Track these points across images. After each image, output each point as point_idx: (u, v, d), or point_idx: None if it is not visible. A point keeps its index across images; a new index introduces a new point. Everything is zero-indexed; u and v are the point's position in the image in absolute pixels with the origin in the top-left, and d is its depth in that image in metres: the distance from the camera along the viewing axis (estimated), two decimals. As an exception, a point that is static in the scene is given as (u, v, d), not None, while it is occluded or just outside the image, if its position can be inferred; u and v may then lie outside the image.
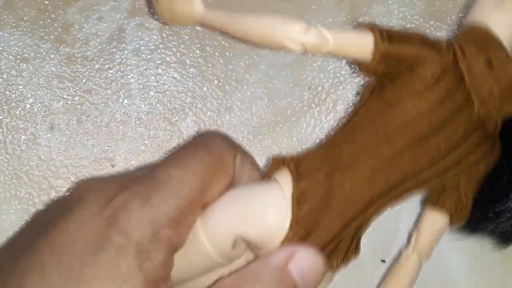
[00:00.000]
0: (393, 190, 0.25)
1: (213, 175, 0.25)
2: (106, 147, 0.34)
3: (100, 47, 0.34)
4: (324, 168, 0.25)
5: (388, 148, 0.25)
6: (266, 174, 0.26)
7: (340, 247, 0.25)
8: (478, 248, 0.34)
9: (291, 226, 0.24)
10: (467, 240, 0.34)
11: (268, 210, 0.24)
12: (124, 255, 0.22)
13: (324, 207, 0.24)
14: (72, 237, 0.22)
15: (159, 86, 0.34)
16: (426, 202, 0.28)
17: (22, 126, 0.34)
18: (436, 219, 0.28)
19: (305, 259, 0.24)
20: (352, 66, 0.26)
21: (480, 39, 0.25)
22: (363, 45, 0.24)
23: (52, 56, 0.34)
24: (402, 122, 0.25)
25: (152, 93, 0.34)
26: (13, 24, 0.34)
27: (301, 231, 0.24)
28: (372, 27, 0.24)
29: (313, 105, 0.35)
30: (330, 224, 0.25)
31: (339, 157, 0.25)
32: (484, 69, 0.25)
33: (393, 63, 0.25)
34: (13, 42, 0.34)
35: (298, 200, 0.24)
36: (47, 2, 0.34)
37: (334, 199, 0.24)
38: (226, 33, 0.25)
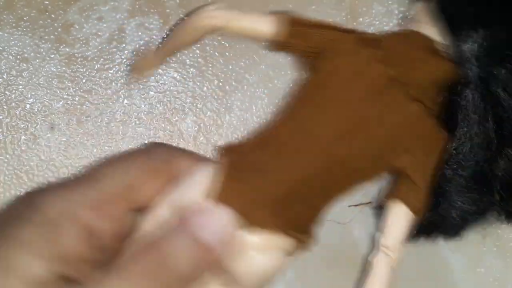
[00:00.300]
0: (332, 159, 0.26)
1: (143, 174, 0.27)
2: (106, 147, 0.34)
3: (100, 47, 0.34)
4: (254, 144, 0.27)
5: (327, 114, 0.26)
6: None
7: (288, 214, 0.25)
8: (478, 248, 0.34)
9: (215, 178, 0.25)
10: (467, 240, 0.34)
11: (193, 184, 0.26)
12: (32, 225, 0.24)
13: (255, 185, 0.25)
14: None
15: (159, 86, 0.34)
16: (382, 201, 0.28)
17: (22, 126, 0.34)
18: (394, 210, 0.27)
19: (206, 214, 0.25)
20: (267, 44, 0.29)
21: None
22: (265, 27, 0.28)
23: (52, 56, 0.34)
24: (336, 97, 0.26)
25: (152, 93, 0.34)
26: (13, 24, 0.34)
27: (228, 181, 0.25)
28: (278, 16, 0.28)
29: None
30: (260, 201, 0.25)
31: (272, 136, 0.27)
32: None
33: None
34: (13, 42, 0.34)
35: (223, 164, 0.26)
36: (47, 2, 0.34)
37: (264, 173, 0.25)
38: (176, 50, 0.32)
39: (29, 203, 0.25)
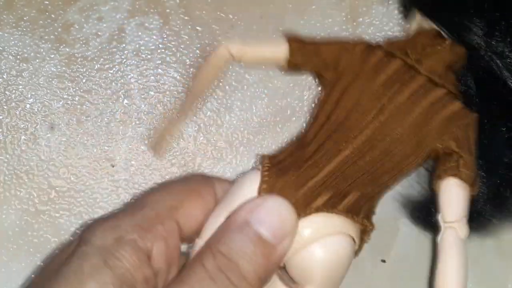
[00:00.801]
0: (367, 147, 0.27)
1: (185, 196, 0.27)
2: (106, 147, 0.34)
3: (100, 47, 0.34)
4: (292, 149, 0.28)
5: (358, 117, 0.27)
6: None
7: (340, 200, 0.26)
8: (478, 248, 0.34)
9: (264, 174, 0.26)
10: (467, 240, 0.34)
11: (242, 186, 0.27)
12: (87, 257, 0.24)
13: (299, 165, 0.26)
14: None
15: (159, 86, 0.34)
16: (432, 182, 0.28)
17: (22, 126, 0.34)
18: (447, 188, 0.27)
19: (266, 206, 0.25)
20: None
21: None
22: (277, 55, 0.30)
23: (52, 56, 0.34)
24: (364, 94, 0.27)
25: (152, 93, 0.34)
26: (13, 24, 0.34)
27: (277, 178, 0.26)
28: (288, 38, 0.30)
29: (313, 105, 0.35)
30: (308, 174, 0.26)
31: (309, 139, 0.28)
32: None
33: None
34: (13, 42, 0.34)
35: (268, 167, 0.27)
36: (47, 2, 0.34)
37: (306, 159, 0.27)
38: (198, 99, 0.33)
39: (79, 240, 0.25)
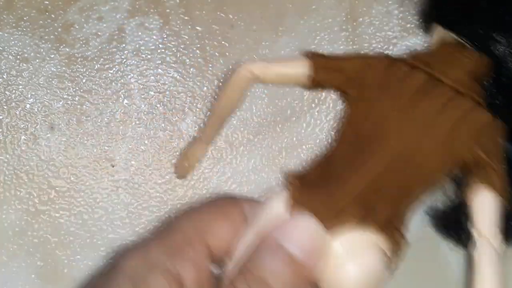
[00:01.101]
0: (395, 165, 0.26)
1: (215, 218, 0.27)
2: (106, 147, 0.34)
3: (100, 47, 0.34)
4: (318, 168, 0.27)
5: (388, 132, 0.27)
6: None
7: (373, 214, 0.26)
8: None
9: (292, 190, 0.26)
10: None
11: (271, 206, 0.26)
12: (118, 285, 0.24)
13: (320, 182, 0.26)
14: None
15: (159, 86, 0.34)
16: (463, 193, 0.28)
17: (22, 126, 0.34)
18: (480, 200, 0.27)
19: (296, 226, 0.24)
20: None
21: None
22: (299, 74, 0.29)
23: (52, 56, 0.34)
24: (391, 113, 0.27)
25: (152, 93, 0.34)
26: (13, 24, 0.34)
27: (304, 191, 0.26)
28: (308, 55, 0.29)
29: (313, 105, 0.35)
30: (334, 190, 0.26)
31: (335, 155, 0.27)
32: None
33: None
34: (13, 42, 0.34)
35: (293, 183, 0.26)
36: (47, 2, 0.34)
37: (331, 179, 0.26)
38: (222, 119, 0.31)
39: (112, 268, 0.25)
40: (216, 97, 0.32)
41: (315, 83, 0.29)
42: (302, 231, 0.24)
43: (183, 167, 0.34)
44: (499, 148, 0.28)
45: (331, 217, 0.25)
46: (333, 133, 0.29)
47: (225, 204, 0.28)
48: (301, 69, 0.29)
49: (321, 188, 0.26)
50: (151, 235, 0.27)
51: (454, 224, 0.31)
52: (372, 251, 0.26)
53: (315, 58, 0.29)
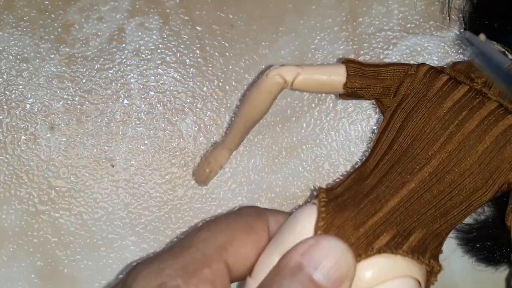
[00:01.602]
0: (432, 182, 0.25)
1: (236, 232, 0.26)
2: (106, 147, 0.34)
3: (100, 47, 0.34)
4: (350, 181, 0.26)
5: (426, 151, 0.25)
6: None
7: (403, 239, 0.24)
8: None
9: (321, 211, 0.24)
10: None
11: (296, 218, 0.25)
12: None
13: (356, 197, 0.25)
14: None
15: (159, 86, 0.34)
16: (506, 218, 0.26)
17: (22, 126, 0.34)
18: None
19: (320, 248, 0.23)
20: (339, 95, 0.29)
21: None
22: (335, 81, 0.28)
23: (52, 56, 0.34)
24: (427, 121, 0.26)
25: (152, 93, 0.34)
26: (13, 24, 0.34)
27: (333, 214, 0.24)
28: (345, 62, 0.28)
29: (313, 105, 0.35)
30: (365, 212, 0.24)
31: (369, 169, 0.26)
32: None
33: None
34: (13, 42, 0.34)
35: (325, 203, 0.25)
36: (47, 2, 0.34)
37: (362, 197, 0.25)
38: (247, 133, 0.30)
39: (123, 285, 0.24)
40: (241, 101, 0.30)
41: (350, 90, 0.28)
42: (326, 255, 0.23)
43: (203, 173, 0.32)
44: None
45: (361, 239, 0.24)
46: (367, 144, 0.28)
47: (249, 217, 0.27)
48: (336, 74, 0.27)
49: (352, 206, 0.25)
50: (168, 249, 0.26)
51: (486, 242, 0.30)
52: (402, 278, 0.24)
53: (350, 63, 0.28)
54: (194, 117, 0.34)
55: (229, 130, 0.31)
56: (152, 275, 0.23)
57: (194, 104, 0.34)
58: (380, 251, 0.24)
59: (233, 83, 0.34)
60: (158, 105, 0.34)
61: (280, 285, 0.23)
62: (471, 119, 0.25)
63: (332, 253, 0.23)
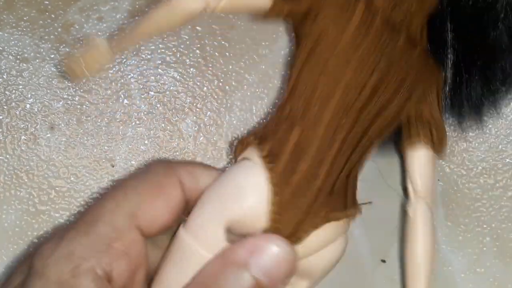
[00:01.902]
0: (356, 123, 0.25)
1: (144, 198, 0.25)
2: (106, 147, 0.34)
3: (100, 47, 0.34)
4: (282, 126, 0.25)
5: (332, 84, 0.25)
6: (235, 160, 0.27)
7: (335, 196, 0.25)
8: (478, 248, 0.34)
9: (273, 189, 0.24)
10: (467, 240, 0.34)
11: (243, 183, 0.25)
12: None
13: (298, 156, 0.25)
14: None
15: (159, 86, 0.34)
16: (402, 148, 0.28)
17: (22, 126, 0.34)
18: (419, 156, 0.27)
19: (269, 253, 0.23)
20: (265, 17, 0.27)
21: None
22: None
23: (52, 56, 0.34)
24: (333, 54, 0.25)
25: (152, 93, 0.34)
26: (13, 24, 0.34)
27: (284, 189, 0.24)
28: None
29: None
30: (311, 169, 0.25)
31: (293, 112, 0.25)
32: None
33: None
34: (13, 42, 0.34)
35: (269, 160, 0.24)
36: (47, 2, 0.34)
37: (304, 146, 0.25)
38: (139, 41, 0.28)
39: (30, 268, 0.23)
40: (154, 14, 0.26)
41: (274, 12, 0.26)
42: (274, 260, 0.23)
43: (77, 70, 0.28)
44: (439, 97, 0.27)
45: (308, 214, 0.24)
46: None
47: (156, 175, 0.26)
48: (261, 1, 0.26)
49: (294, 169, 0.24)
50: (74, 224, 0.24)
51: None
52: (340, 237, 0.26)
53: None
54: (194, 117, 0.34)
55: (122, 36, 0.27)
56: (63, 260, 0.23)
57: (194, 104, 0.34)
58: (323, 221, 0.25)
59: (233, 83, 0.34)
60: (158, 105, 0.34)
61: (223, 281, 0.23)
62: (378, 54, 0.25)
63: (281, 259, 0.23)
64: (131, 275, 0.24)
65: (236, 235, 0.25)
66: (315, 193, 0.25)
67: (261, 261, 0.23)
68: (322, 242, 0.25)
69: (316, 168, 0.25)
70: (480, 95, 0.30)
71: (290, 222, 0.24)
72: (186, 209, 0.26)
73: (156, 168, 0.27)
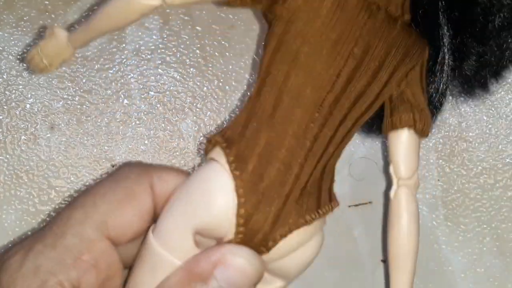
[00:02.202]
0: (330, 116, 0.24)
1: (115, 204, 0.24)
2: (106, 147, 0.34)
3: (100, 47, 0.34)
4: (250, 126, 0.24)
5: (303, 72, 0.24)
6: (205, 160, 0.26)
7: (306, 197, 0.24)
8: (478, 248, 0.34)
9: (239, 193, 0.23)
10: (467, 240, 0.34)
11: (210, 189, 0.24)
12: None
13: (266, 160, 0.23)
14: None
15: (159, 86, 0.34)
16: (385, 131, 0.27)
17: (22, 126, 0.34)
18: (402, 139, 0.26)
19: (234, 265, 0.22)
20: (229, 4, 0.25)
21: None
22: None
23: (52, 56, 0.34)
24: (305, 39, 0.24)
25: (152, 93, 0.34)
26: (13, 24, 0.34)
27: (251, 198, 0.23)
28: None
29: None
30: (279, 174, 0.23)
31: (262, 110, 0.24)
32: None
33: None
34: (13, 42, 0.34)
35: (236, 166, 0.23)
36: (47, 2, 0.34)
37: (273, 149, 0.23)
38: (97, 36, 0.26)
39: None
40: (105, 12, 0.25)
41: (237, 2, 0.25)
42: (240, 271, 0.23)
43: (39, 64, 0.27)
44: (423, 75, 0.26)
45: (278, 218, 0.23)
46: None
47: (128, 181, 0.25)
48: None
49: (262, 171, 0.23)
50: (41, 236, 0.24)
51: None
52: (315, 236, 0.25)
53: None
54: (194, 117, 0.34)
55: (80, 30, 0.27)
56: (30, 275, 0.22)
57: (194, 104, 0.34)
58: (296, 225, 0.24)
59: (233, 83, 0.34)
60: (158, 105, 0.34)
61: None
62: (358, 33, 0.24)
63: (247, 271, 0.23)
64: (102, 287, 0.24)
65: (204, 237, 0.24)
66: (283, 200, 0.23)
67: (226, 273, 0.22)
68: (293, 247, 0.24)
69: (285, 172, 0.23)
70: (480, 69, 0.29)
71: (257, 232, 0.23)
72: (156, 214, 0.25)
73: (127, 173, 0.26)
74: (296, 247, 0.24)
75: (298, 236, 0.24)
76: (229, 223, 0.23)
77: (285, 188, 0.23)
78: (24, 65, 0.34)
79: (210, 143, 0.25)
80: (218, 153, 0.24)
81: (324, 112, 0.24)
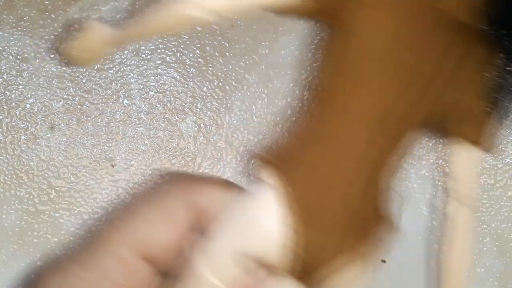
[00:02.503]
0: (390, 139, 0.23)
1: (157, 225, 0.23)
2: (106, 147, 0.34)
3: (100, 47, 0.34)
4: (308, 150, 0.23)
5: (364, 92, 0.23)
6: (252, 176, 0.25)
7: (364, 229, 0.23)
8: (478, 248, 0.34)
9: (293, 227, 0.22)
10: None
11: (260, 217, 0.23)
12: None
13: (325, 190, 0.23)
14: None
15: (159, 86, 0.34)
16: (448, 144, 0.26)
17: (22, 126, 0.34)
18: (465, 155, 0.25)
19: None
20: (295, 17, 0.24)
21: None
22: None
23: (52, 56, 0.34)
24: (365, 56, 0.23)
25: (152, 93, 0.34)
26: (13, 24, 0.34)
27: (306, 228, 0.22)
28: None
29: (313, 105, 0.34)
30: (338, 204, 0.22)
31: (321, 134, 0.23)
32: None
33: None
34: (13, 42, 0.34)
35: (293, 194, 0.22)
36: (47, 2, 0.34)
37: (333, 175, 0.23)
38: (141, 37, 0.26)
39: None
40: (161, 14, 0.25)
41: (297, 11, 0.24)
42: None
43: (80, 56, 0.27)
44: (481, 84, 0.25)
45: (329, 263, 0.23)
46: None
47: (167, 198, 0.24)
48: None
49: (313, 189, 0.23)
50: (79, 253, 0.23)
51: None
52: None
53: None
54: (194, 117, 0.34)
55: (126, 29, 0.26)
56: None
57: (194, 104, 0.34)
58: (343, 265, 0.23)
59: (233, 83, 0.34)
60: (158, 105, 0.34)
61: None
62: (426, 47, 0.23)
63: None
64: None
65: (254, 264, 0.23)
66: (341, 232, 0.23)
67: None
68: (346, 280, 0.23)
69: (345, 202, 0.22)
70: None
71: (313, 264, 0.23)
72: (200, 229, 0.24)
73: (168, 189, 0.25)
74: (349, 281, 0.24)
75: (353, 270, 0.23)
76: (279, 251, 0.22)
77: (344, 219, 0.23)
78: (24, 65, 0.34)
79: (261, 160, 0.24)
80: (271, 176, 0.23)
81: (385, 135, 0.23)
